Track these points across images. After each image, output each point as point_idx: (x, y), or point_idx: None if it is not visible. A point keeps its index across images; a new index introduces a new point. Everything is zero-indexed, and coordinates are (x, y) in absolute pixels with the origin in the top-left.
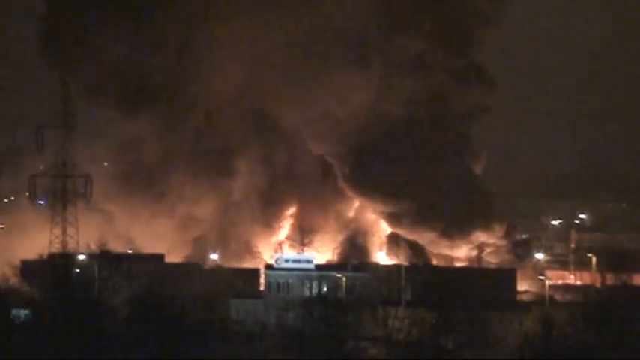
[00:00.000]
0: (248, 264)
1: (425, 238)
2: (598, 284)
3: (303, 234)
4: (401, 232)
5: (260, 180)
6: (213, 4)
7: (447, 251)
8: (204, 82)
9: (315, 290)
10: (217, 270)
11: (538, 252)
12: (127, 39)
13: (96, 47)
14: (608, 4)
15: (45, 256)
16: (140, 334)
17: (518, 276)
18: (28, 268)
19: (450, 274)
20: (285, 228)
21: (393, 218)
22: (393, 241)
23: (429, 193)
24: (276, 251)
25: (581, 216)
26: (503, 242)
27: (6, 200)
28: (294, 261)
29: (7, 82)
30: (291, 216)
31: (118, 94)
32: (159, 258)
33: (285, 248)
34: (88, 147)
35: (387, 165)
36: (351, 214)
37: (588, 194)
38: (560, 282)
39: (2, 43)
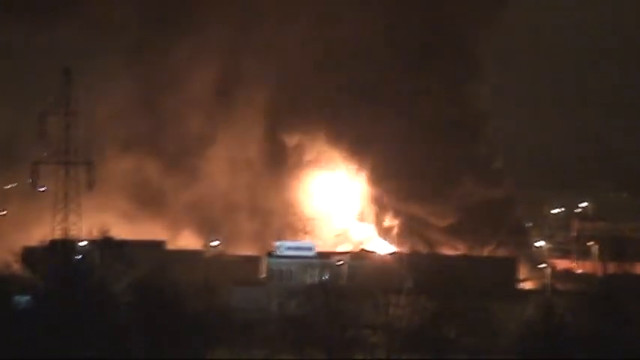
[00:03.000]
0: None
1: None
2: (599, 273)
3: (305, 221)
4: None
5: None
6: None
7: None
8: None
9: (316, 278)
10: (219, 257)
11: (539, 240)
12: None
13: None
14: None
15: (46, 243)
16: (141, 321)
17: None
18: (29, 255)
19: (451, 262)
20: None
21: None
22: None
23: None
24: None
25: (583, 204)
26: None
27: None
28: (296, 248)
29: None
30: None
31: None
32: (160, 245)
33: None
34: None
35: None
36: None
37: (590, 183)
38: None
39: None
